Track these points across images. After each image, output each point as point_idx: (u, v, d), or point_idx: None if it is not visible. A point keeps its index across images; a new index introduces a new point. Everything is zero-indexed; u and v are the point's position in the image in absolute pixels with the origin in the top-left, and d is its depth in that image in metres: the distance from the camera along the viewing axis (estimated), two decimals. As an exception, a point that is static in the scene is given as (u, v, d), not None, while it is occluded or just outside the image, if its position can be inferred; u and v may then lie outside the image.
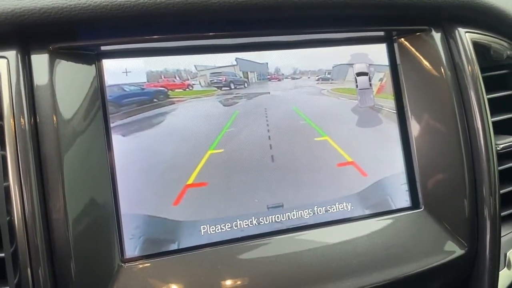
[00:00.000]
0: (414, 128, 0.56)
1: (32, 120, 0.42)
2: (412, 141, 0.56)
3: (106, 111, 0.46)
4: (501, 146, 0.59)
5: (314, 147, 0.52)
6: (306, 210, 0.52)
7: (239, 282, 0.46)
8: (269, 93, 0.51)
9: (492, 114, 0.60)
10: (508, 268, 0.59)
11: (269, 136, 0.51)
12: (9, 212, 0.41)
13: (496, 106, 0.62)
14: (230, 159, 0.49)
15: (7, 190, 0.41)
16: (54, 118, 0.43)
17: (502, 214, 0.62)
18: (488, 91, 0.61)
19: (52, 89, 0.43)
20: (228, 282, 0.46)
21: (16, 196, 0.41)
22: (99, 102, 0.46)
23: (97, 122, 0.46)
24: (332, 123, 0.53)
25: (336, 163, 0.53)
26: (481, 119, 0.55)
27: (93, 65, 0.46)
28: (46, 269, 0.41)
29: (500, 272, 0.58)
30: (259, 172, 0.50)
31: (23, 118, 0.41)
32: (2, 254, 0.41)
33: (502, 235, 0.61)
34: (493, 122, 0.60)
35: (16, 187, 0.41)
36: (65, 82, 0.44)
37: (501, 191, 0.61)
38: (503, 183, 0.62)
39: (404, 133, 0.56)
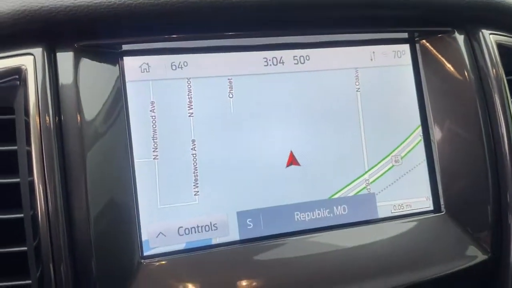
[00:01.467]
0: (437, 131, 0.55)
1: (57, 118, 0.43)
2: (434, 144, 0.55)
3: (127, 110, 0.47)
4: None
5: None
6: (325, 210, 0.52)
7: (257, 283, 0.46)
8: None
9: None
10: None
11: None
12: (33, 207, 0.41)
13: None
14: None
15: (31, 185, 0.42)
16: (78, 117, 0.43)
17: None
18: None
19: (76, 87, 0.44)
20: (246, 282, 0.46)
21: (40, 191, 0.41)
22: (122, 101, 0.47)
23: (120, 121, 0.46)
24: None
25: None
26: (506, 124, 0.53)
27: (116, 64, 0.47)
28: (68, 264, 0.41)
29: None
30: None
31: (48, 115, 0.42)
32: (25, 248, 0.42)
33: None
34: None
35: (40, 182, 0.41)
36: (89, 80, 0.45)
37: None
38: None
39: (426, 136, 0.56)
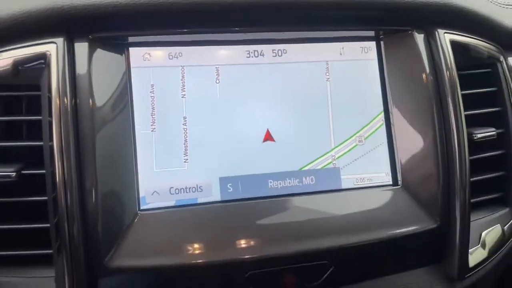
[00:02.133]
0: (396, 117, 0.64)
1: (74, 94, 0.53)
2: (394, 128, 0.64)
3: (131, 90, 0.57)
4: (478, 135, 0.66)
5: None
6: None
7: (234, 234, 0.56)
8: None
9: (473, 109, 0.67)
10: (483, 247, 0.66)
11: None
12: (52, 165, 0.52)
13: (483, 102, 0.69)
14: None
15: (51, 148, 0.52)
16: (91, 94, 0.54)
17: (483, 198, 0.69)
18: (473, 88, 0.68)
19: (90, 70, 0.54)
20: (225, 234, 0.56)
21: (57, 152, 0.51)
22: (127, 83, 0.57)
23: (125, 99, 0.56)
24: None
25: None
26: (455, 111, 0.62)
27: (123, 53, 0.57)
28: (78, 213, 0.51)
29: (473, 250, 0.65)
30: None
31: (66, 92, 0.52)
32: (46, 198, 0.53)
33: (480, 217, 0.69)
34: (481, 115, 0.67)
35: (58, 146, 0.51)
36: (100, 65, 0.55)
37: (485, 176, 0.68)
38: (485, 170, 0.69)
39: (387, 121, 0.64)
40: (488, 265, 0.67)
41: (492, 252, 0.66)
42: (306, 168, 0.62)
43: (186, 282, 0.55)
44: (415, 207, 0.62)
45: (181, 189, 0.58)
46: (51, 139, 0.52)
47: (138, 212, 0.55)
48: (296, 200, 0.60)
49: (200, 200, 0.58)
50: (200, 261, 0.54)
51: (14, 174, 0.52)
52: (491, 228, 0.67)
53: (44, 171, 0.53)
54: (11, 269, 0.54)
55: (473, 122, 0.67)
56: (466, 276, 0.63)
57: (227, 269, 0.55)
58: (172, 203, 0.57)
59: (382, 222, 0.60)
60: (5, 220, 0.54)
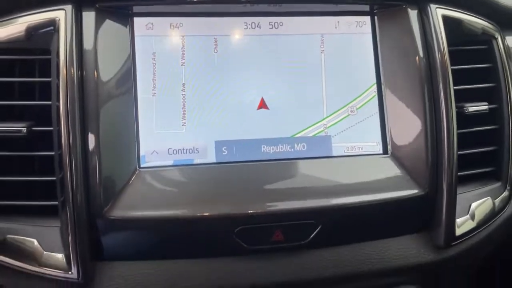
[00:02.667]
0: (388, 89, 0.66)
1: (80, 58, 0.57)
2: (385, 100, 0.66)
3: (134, 57, 0.61)
4: (470, 109, 0.68)
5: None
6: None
7: (227, 192, 0.60)
8: None
9: (468, 85, 0.69)
10: (472, 218, 0.68)
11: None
12: (58, 124, 0.56)
13: (479, 79, 0.71)
14: None
15: (58, 109, 0.57)
16: (96, 58, 0.58)
17: (474, 171, 0.71)
18: (468, 64, 0.70)
19: (96, 37, 0.58)
20: (218, 191, 0.60)
21: (63, 113, 0.56)
22: (131, 50, 0.61)
23: (128, 65, 0.60)
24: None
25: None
26: (444, 84, 0.64)
27: (128, 22, 0.61)
28: (81, 168, 0.56)
29: (462, 219, 0.67)
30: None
31: (73, 56, 0.56)
32: (53, 153, 0.58)
33: (471, 189, 0.70)
34: (477, 91, 0.69)
35: (63, 104, 0.55)
36: (106, 32, 0.59)
37: (476, 150, 0.70)
38: (480, 144, 0.70)
39: (379, 92, 0.67)
40: (476, 236, 0.68)
41: (481, 223, 0.68)
42: (298, 135, 0.65)
43: (180, 233, 0.59)
44: (403, 175, 0.64)
45: (178, 150, 0.62)
46: (58, 100, 0.57)
47: (138, 169, 0.60)
48: (288, 164, 0.63)
49: (196, 161, 0.62)
50: (194, 214, 0.58)
51: (25, 129, 0.57)
52: (481, 200, 0.69)
53: (52, 129, 0.57)
54: (22, 219, 0.59)
55: (469, 98, 0.69)
56: (453, 244, 0.65)
57: (219, 223, 0.58)
58: (170, 163, 0.61)
59: (370, 187, 0.63)
60: (16, 174, 0.59)
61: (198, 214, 0.58)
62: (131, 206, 0.57)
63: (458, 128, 0.65)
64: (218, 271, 0.60)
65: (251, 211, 0.59)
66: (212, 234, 0.59)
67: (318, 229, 0.60)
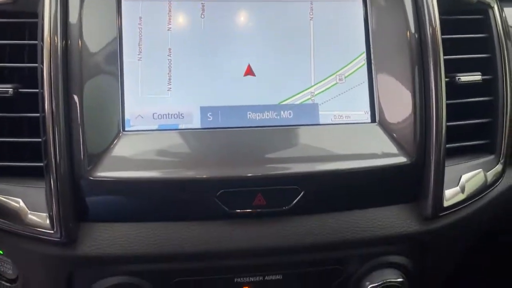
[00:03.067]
0: (377, 58, 0.65)
1: (65, 20, 0.57)
2: (375, 68, 0.65)
3: (121, 22, 0.61)
4: (462, 79, 0.66)
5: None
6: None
7: (211, 157, 0.60)
8: None
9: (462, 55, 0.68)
10: (462, 190, 0.67)
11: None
12: (42, 87, 0.56)
13: (474, 49, 0.69)
14: None
15: (41, 69, 0.56)
16: (82, 21, 0.58)
17: (467, 143, 0.70)
18: (462, 34, 0.69)
19: (82, 4, 0.58)
20: (203, 156, 0.60)
21: (46, 76, 0.56)
22: (117, 14, 0.61)
23: (114, 29, 0.60)
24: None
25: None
26: (434, 55, 0.62)
27: None
28: (64, 129, 0.56)
29: (451, 190, 0.66)
30: None
31: (57, 19, 0.56)
32: (38, 115, 0.58)
33: (463, 162, 0.69)
34: (472, 62, 0.68)
35: (46, 67, 0.56)
36: (92, 1, 0.59)
37: (467, 122, 0.69)
38: (474, 117, 0.69)
39: (369, 61, 0.65)
40: (465, 210, 0.67)
41: (471, 196, 0.67)
42: (285, 102, 0.64)
43: (162, 195, 0.59)
44: (390, 144, 0.63)
45: (163, 115, 0.62)
46: (42, 62, 0.57)
47: (122, 132, 0.60)
48: (273, 131, 0.63)
49: (181, 127, 0.62)
50: (176, 176, 0.58)
51: (11, 90, 0.58)
52: (472, 172, 0.68)
53: (37, 91, 0.58)
54: (8, 179, 0.60)
55: (463, 68, 0.67)
56: (440, 214, 0.64)
57: (201, 185, 0.59)
58: (154, 127, 0.61)
59: (356, 154, 0.62)
60: (4, 135, 0.60)
61: (181, 176, 0.58)
62: (114, 168, 0.58)
63: (450, 99, 0.64)
64: (201, 235, 0.60)
65: (233, 175, 0.59)
66: (194, 197, 0.59)
67: (301, 195, 0.60)
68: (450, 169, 0.66)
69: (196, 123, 0.62)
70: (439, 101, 0.62)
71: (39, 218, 0.58)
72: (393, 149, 0.63)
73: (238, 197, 0.59)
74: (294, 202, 0.60)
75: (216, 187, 0.59)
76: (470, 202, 0.67)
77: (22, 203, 0.58)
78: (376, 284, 0.64)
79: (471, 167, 0.68)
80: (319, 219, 0.62)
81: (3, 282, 0.66)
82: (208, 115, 0.63)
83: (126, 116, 0.61)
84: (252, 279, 0.63)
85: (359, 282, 0.65)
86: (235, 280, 0.63)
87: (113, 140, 0.59)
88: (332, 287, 0.66)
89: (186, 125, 0.62)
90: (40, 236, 0.58)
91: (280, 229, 0.61)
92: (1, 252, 0.63)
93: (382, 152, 0.63)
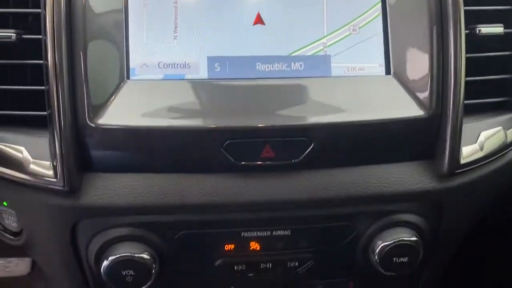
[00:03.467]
0: (393, 9, 0.61)
1: None
2: (390, 19, 0.62)
3: None
4: (483, 30, 0.63)
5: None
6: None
7: (218, 106, 0.58)
8: None
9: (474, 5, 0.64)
10: (480, 147, 0.64)
11: None
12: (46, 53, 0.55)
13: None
14: None
15: (45, 40, 0.55)
16: None
17: (488, 100, 0.66)
18: None
19: None
20: (209, 105, 0.58)
21: (49, 21, 0.54)
22: None
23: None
24: None
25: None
26: (454, 6, 0.59)
27: None
28: (67, 76, 0.54)
29: (468, 147, 0.63)
30: None
31: None
32: (42, 62, 0.56)
33: (483, 119, 0.66)
34: (488, 13, 0.64)
35: (49, 14, 0.54)
36: None
37: (487, 78, 0.65)
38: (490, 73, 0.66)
39: (384, 12, 0.62)
40: (483, 169, 0.64)
41: (490, 154, 0.64)
42: (296, 53, 0.62)
43: (168, 145, 0.57)
44: (406, 96, 0.60)
45: (169, 64, 0.60)
46: (45, 8, 0.55)
47: (127, 80, 0.58)
48: (283, 82, 0.60)
49: (187, 77, 0.60)
50: (181, 125, 0.56)
51: (14, 36, 0.56)
52: (491, 130, 0.64)
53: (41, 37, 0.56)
54: (12, 128, 0.59)
55: (484, 21, 0.64)
56: (457, 172, 0.62)
57: (207, 135, 0.57)
58: (160, 77, 0.59)
59: (369, 106, 0.60)
60: (6, 83, 0.59)
61: (186, 125, 0.56)
62: (118, 116, 0.56)
63: (469, 53, 0.61)
64: (207, 187, 0.58)
65: (240, 125, 0.57)
66: (200, 147, 0.57)
67: (311, 147, 0.58)
68: (469, 126, 0.63)
69: (203, 74, 0.60)
70: (458, 53, 0.59)
71: (42, 166, 0.56)
72: (409, 101, 0.60)
73: (246, 149, 0.57)
74: (304, 155, 0.58)
75: (222, 137, 0.56)
76: (489, 160, 0.64)
77: (25, 152, 0.57)
78: (388, 243, 0.62)
79: (491, 124, 0.65)
80: (329, 174, 0.60)
81: (7, 235, 0.65)
82: (216, 65, 0.61)
83: (131, 65, 0.59)
84: (259, 233, 0.61)
85: (371, 241, 0.63)
86: (242, 234, 0.61)
87: (118, 88, 0.57)
88: (342, 245, 0.64)
89: (193, 75, 0.60)
90: (43, 185, 0.57)
91: (288, 182, 0.59)
92: (5, 204, 0.62)
93: (397, 105, 0.60)
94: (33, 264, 1.43)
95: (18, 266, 1.40)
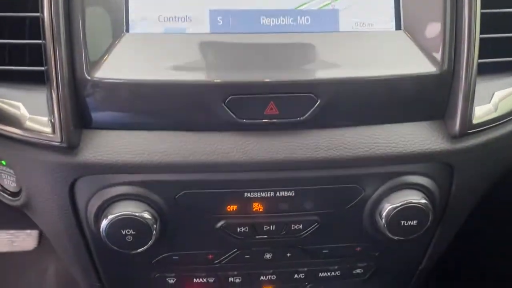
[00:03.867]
0: None
1: None
2: None
3: None
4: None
5: None
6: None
7: (221, 62, 0.56)
8: None
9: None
10: (494, 107, 0.61)
11: None
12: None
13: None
14: None
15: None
16: None
17: (502, 59, 0.63)
18: None
19: None
20: (211, 60, 0.56)
21: None
22: None
23: None
24: None
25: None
26: None
27: None
28: (64, 30, 0.52)
29: (481, 107, 0.60)
30: None
31: None
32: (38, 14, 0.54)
33: (497, 79, 0.63)
34: None
35: None
36: None
37: (501, 35, 0.62)
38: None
39: None
40: (497, 131, 0.62)
41: (504, 115, 0.61)
42: (302, 7, 0.59)
43: (168, 100, 0.55)
44: (417, 52, 0.58)
45: (170, 17, 0.57)
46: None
47: (126, 33, 0.56)
48: (288, 36, 0.58)
49: (188, 31, 0.57)
50: (182, 79, 0.54)
51: None
52: (506, 90, 0.62)
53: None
54: (9, 84, 0.57)
55: None
56: (469, 132, 0.59)
57: (208, 90, 0.55)
58: (160, 30, 0.57)
59: (378, 62, 0.57)
60: (3, 36, 0.57)
61: (187, 79, 0.54)
62: (116, 69, 0.54)
63: (484, 8, 0.58)
64: (209, 145, 0.56)
65: (243, 80, 0.54)
66: (201, 103, 0.55)
67: (317, 104, 0.55)
68: (482, 86, 0.60)
69: (205, 28, 0.58)
70: (473, 7, 0.56)
71: (40, 122, 0.55)
72: (420, 58, 0.57)
73: (249, 105, 0.55)
74: (309, 112, 0.56)
75: (224, 92, 0.54)
76: (503, 121, 0.61)
77: (22, 108, 0.55)
78: (396, 205, 0.60)
79: (506, 84, 0.62)
80: (336, 133, 0.58)
81: (6, 196, 0.64)
82: (218, 19, 0.58)
83: (130, 17, 0.56)
84: (262, 194, 0.59)
85: (378, 204, 0.61)
86: (245, 195, 0.59)
87: (116, 42, 0.55)
88: (348, 208, 0.62)
89: (194, 29, 0.57)
90: (41, 141, 0.55)
91: (293, 142, 0.57)
92: (4, 163, 0.61)
93: (407, 61, 0.57)
94: (40, 238, 1.44)
95: (25, 241, 1.41)
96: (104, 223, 0.57)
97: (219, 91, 0.54)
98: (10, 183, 0.63)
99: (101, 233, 0.57)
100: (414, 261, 0.74)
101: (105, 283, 0.70)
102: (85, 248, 0.64)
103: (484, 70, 0.61)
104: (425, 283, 0.83)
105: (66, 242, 0.65)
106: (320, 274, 0.70)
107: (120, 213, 0.56)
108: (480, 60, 0.58)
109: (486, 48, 0.60)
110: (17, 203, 0.63)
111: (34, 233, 1.38)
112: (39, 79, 0.56)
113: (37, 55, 0.56)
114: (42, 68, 0.55)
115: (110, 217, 0.57)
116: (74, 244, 0.64)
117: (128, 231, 0.57)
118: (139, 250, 0.59)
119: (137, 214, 0.57)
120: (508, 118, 0.62)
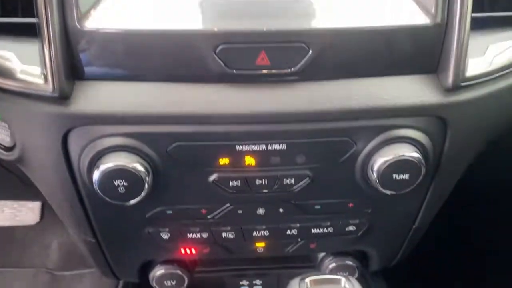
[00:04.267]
0: None
1: None
2: None
3: None
4: None
5: None
6: None
7: (222, 12, 0.56)
8: None
9: None
10: (488, 61, 0.60)
11: None
12: None
13: None
14: None
15: None
16: None
17: (499, 14, 0.62)
18: None
19: None
20: (213, 11, 0.56)
21: None
22: None
23: None
24: None
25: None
26: None
27: None
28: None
29: (475, 60, 0.59)
30: None
31: None
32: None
33: (492, 33, 0.62)
34: None
35: None
36: None
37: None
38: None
39: None
40: (491, 85, 0.61)
41: (498, 68, 0.61)
42: None
43: (157, 50, 0.55)
44: (409, 2, 0.57)
45: None
46: None
47: None
48: None
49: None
50: (173, 28, 0.54)
51: None
52: (501, 43, 0.61)
53: None
54: (3, 36, 0.57)
55: None
56: (462, 85, 0.59)
57: (199, 38, 0.54)
58: None
59: (370, 13, 0.57)
60: None
61: (177, 28, 0.54)
62: (108, 19, 0.54)
63: None
64: (201, 96, 0.56)
65: (234, 28, 0.54)
66: (192, 51, 0.55)
67: (309, 54, 0.55)
68: (477, 39, 0.59)
69: None
70: None
71: (32, 73, 0.55)
72: (413, 8, 0.57)
73: (239, 55, 0.55)
74: (301, 63, 0.56)
75: (215, 41, 0.54)
76: (497, 75, 0.61)
77: (15, 58, 0.55)
78: (388, 158, 0.60)
79: (500, 38, 0.62)
80: (328, 85, 0.58)
81: (0, 150, 0.64)
82: None
83: None
84: (254, 147, 0.60)
85: (370, 157, 0.61)
86: (237, 148, 0.60)
87: None
88: (340, 162, 0.62)
89: None
90: (33, 92, 0.55)
91: (284, 94, 0.57)
92: (-2, 117, 0.62)
93: (400, 12, 0.57)
94: (42, 213, 1.45)
95: (27, 215, 1.42)
96: (96, 173, 0.57)
97: (210, 39, 0.54)
98: (4, 137, 0.63)
99: (94, 184, 0.58)
100: (407, 220, 0.74)
101: (100, 239, 0.71)
102: (79, 202, 0.65)
103: (479, 26, 0.61)
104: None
105: (60, 196, 0.66)
106: (312, 230, 0.70)
107: (112, 164, 0.57)
108: (474, 14, 0.58)
109: (482, 3, 0.59)
110: (12, 157, 0.64)
111: (36, 208, 1.40)
112: (32, 32, 0.56)
113: (29, 7, 0.56)
114: (34, 20, 0.55)
115: (102, 167, 0.57)
116: (68, 198, 0.65)
117: (120, 182, 0.58)
118: (131, 202, 0.59)
119: (129, 165, 0.57)
120: (502, 72, 0.61)
